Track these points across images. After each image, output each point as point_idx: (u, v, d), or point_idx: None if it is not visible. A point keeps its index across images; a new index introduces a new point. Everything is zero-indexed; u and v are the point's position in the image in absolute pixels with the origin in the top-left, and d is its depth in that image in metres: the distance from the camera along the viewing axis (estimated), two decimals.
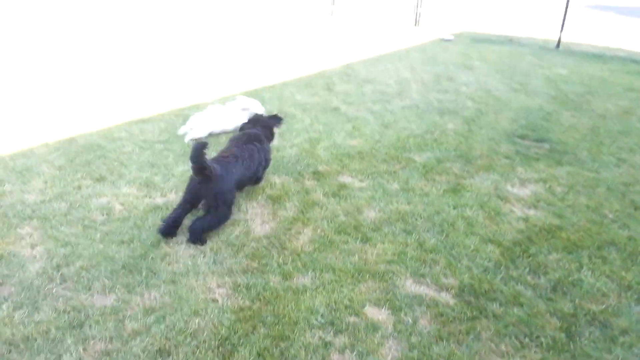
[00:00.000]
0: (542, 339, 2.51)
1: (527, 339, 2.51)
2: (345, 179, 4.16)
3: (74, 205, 3.49)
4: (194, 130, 4.78)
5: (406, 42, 10.24)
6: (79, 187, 3.74)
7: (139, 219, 3.38)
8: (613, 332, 2.59)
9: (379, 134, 5.16)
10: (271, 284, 2.83)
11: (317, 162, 4.41)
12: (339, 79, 7.18)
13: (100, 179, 3.90)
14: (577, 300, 2.81)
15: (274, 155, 4.31)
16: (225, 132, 4.89)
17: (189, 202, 3.24)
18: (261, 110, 5.04)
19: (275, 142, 4.56)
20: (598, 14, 15.74)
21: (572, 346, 2.48)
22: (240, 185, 3.59)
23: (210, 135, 4.82)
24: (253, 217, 3.50)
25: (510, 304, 2.76)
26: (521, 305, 2.75)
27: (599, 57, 9.75)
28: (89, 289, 2.68)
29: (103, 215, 3.41)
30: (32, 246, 3.01)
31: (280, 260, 3.04)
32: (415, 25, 11.85)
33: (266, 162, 3.89)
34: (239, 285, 2.80)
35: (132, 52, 8.28)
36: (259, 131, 3.89)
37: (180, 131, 4.89)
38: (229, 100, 5.44)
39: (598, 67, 8.85)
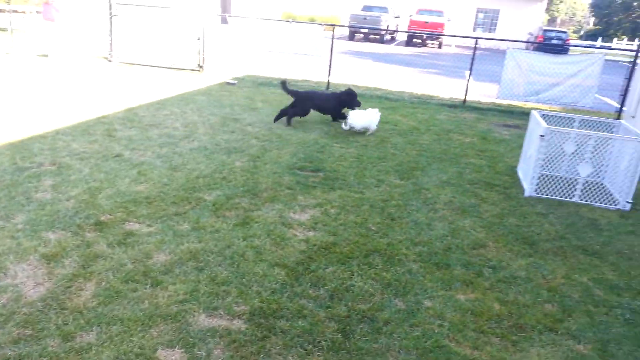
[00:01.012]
0: (323, 343, 2.83)
1: (310, 346, 2.80)
2: (132, 226, 4.05)
3: None
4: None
5: (192, 86, 10.42)
6: None
7: None
8: (378, 325, 3.06)
9: (167, 177, 5.15)
10: (50, 348, 2.60)
11: (98, 212, 4.18)
12: (121, 125, 6.93)
13: None
14: (350, 304, 3.25)
15: (44, 210, 4.00)
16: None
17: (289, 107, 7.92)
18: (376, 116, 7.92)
19: (48, 196, 4.23)
20: (358, 60, 18.41)
21: (347, 344, 2.86)
22: (316, 107, 8.24)
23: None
24: (24, 280, 3.16)
25: (296, 317, 3.04)
26: (304, 317, 3.06)
27: (361, 96, 11.37)
28: None
29: None
30: None
31: (60, 322, 2.81)
32: (200, 70, 12.15)
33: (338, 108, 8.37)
34: (9, 358, 2.50)
35: None
36: (344, 95, 8.39)
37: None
38: None
39: None
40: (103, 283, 3.20)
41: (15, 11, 15.05)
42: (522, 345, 3.01)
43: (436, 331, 3.05)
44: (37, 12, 17.28)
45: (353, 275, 3.60)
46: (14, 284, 3.11)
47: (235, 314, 3.03)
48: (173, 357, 2.62)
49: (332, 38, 11.61)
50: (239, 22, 12.32)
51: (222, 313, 3.03)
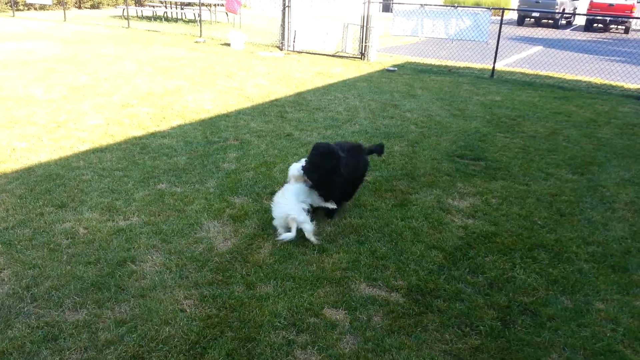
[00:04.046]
0: (481, 328, 2.83)
1: (467, 328, 2.83)
2: None
3: (37, 231, 3.58)
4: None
5: (354, 73, 10.80)
6: (42, 214, 3.83)
7: (104, 241, 3.51)
8: (542, 319, 2.95)
9: None
10: (236, 293, 3.03)
11: (273, 183, 4.67)
12: (291, 108, 7.53)
13: (62, 206, 3.99)
14: (511, 294, 3.17)
15: (229, 178, 4.60)
16: None
17: None
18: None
19: (232, 166, 4.86)
20: (527, 46, 17.11)
21: (507, 332, 2.82)
22: None
23: None
24: (215, 235, 3.70)
25: (453, 299, 3.08)
26: (462, 300, 3.08)
27: (530, 84, 10.63)
28: (60, 306, 2.79)
29: (67, 239, 3.52)
30: None
31: (244, 272, 3.25)
32: (362, 57, 12.50)
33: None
34: (206, 296, 2.99)
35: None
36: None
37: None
38: None
39: (529, 93, 9.65)
40: (278, 244, 3.60)
41: (202, 4, 17.23)
42: None
43: (608, 335, 2.83)
44: (221, 5, 19.34)
45: (515, 267, 3.49)
46: (208, 237, 3.66)
47: (394, 287, 3.18)
48: (337, 317, 2.87)
49: (501, 23, 10.99)
50: (401, 8, 12.33)
51: (381, 284, 3.20)
